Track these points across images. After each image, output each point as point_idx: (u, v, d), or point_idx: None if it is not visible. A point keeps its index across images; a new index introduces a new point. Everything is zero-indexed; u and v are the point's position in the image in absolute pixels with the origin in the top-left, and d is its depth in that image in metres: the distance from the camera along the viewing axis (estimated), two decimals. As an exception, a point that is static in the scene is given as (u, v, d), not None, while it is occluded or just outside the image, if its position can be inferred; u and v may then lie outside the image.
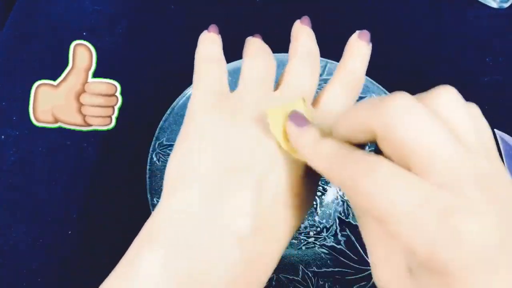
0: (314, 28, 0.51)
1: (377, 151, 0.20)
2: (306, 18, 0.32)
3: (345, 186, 0.19)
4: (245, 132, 0.25)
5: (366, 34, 0.31)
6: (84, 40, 0.48)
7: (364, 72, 0.31)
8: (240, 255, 0.22)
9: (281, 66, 0.44)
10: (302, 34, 0.31)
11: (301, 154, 0.23)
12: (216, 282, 0.22)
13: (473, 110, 0.21)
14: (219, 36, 0.32)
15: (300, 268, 0.36)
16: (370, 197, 0.17)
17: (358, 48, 0.30)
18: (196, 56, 0.30)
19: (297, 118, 0.23)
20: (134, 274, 0.22)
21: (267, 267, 0.24)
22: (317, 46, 0.31)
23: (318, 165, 0.21)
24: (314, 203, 0.39)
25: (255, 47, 0.31)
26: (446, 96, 0.20)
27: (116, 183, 0.41)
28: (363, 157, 0.19)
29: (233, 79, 0.43)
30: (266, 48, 0.31)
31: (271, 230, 0.24)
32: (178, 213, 0.23)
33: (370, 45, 0.31)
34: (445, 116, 0.19)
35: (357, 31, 0.31)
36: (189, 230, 0.23)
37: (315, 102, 0.29)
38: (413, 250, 0.16)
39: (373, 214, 0.18)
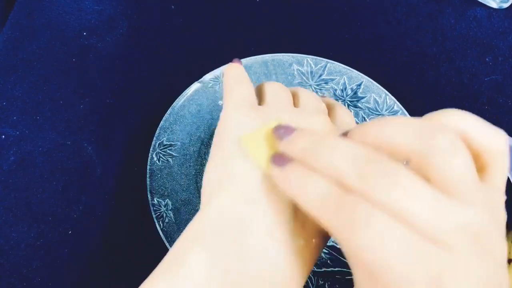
0: (314, 28, 0.51)
1: None
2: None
3: (336, 233, 0.18)
4: None
5: None
6: (84, 40, 0.48)
7: None
8: (281, 256, 0.23)
9: (280, 66, 0.44)
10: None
11: (289, 194, 0.21)
12: (259, 283, 0.22)
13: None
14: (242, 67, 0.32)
15: (300, 268, 0.36)
16: (364, 251, 0.17)
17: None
18: (224, 79, 0.31)
19: (277, 158, 0.22)
20: (179, 272, 0.22)
21: (307, 267, 0.24)
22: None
23: (308, 207, 0.20)
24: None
25: (271, 82, 0.31)
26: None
27: (116, 183, 0.41)
28: (359, 206, 0.18)
29: (233, 79, 0.43)
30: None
31: (307, 228, 0.24)
32: (221, 216, 0.24)
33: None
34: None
35: None
36: (233, 233, 0.23)
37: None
38: None
39: (366, 267, 0.17)
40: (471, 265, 0.17)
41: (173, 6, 0.51)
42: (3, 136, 0.42)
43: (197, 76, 0.42)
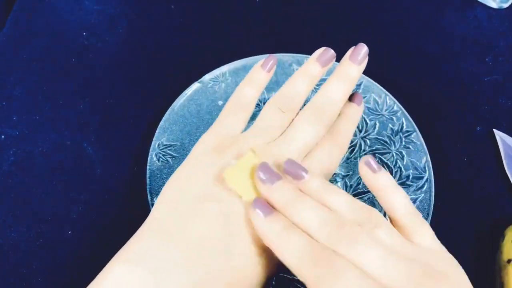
0: (314, 28, 0.51)
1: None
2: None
3: (312, 285, 0.21)
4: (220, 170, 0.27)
5: (358, 97, 0.34)
6: (84, 40, 0.48)
7: (353, 133, 0.33)
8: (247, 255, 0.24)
9: (280, 66, 0.44)
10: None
11: (268, 243, 0.23)
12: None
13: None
14: (270, 73, 0.33)
15: (300, 268, 0.36)
16: None
17: (351, 110, 0.33)
18: (233, 95, 0.32)
19: (261, 205, 0.24)
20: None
21: (270, 267, 0.26)
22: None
23: (285, 258, 0.23)
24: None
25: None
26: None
27: (116, 183, 0.41)
28: (333, 260, 0.21)
29: (233, 79, 0.43)
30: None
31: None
32: (152, 236, 0.26)
33: (362, 106, 0.34)
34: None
35: (353, 95, 0.34)
36: (161, 249, 0.25)
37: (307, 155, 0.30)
38: None
39: None
40: None
41: (172, 6, 0.51)
42: (3, 136, 0.42)
43: (197, 76, 0.42)
